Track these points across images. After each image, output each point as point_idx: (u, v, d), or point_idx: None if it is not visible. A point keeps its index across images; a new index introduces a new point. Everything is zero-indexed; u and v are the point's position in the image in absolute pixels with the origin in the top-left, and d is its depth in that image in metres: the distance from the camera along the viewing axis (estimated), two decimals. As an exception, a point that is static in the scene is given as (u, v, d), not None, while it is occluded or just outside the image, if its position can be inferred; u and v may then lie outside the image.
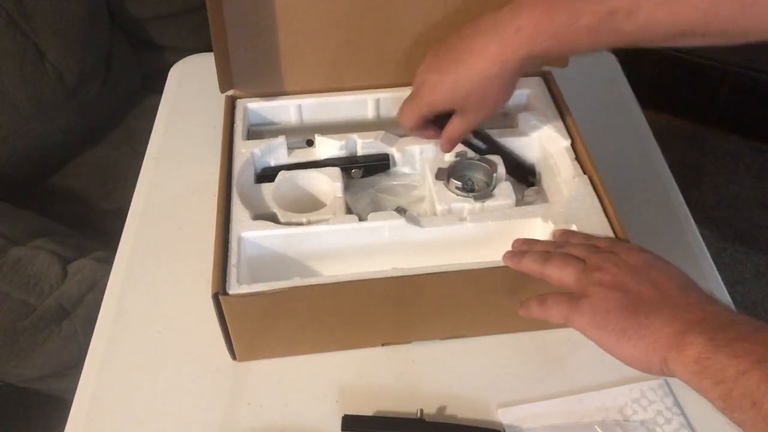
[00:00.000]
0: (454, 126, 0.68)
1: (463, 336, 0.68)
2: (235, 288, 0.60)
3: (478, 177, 0.72)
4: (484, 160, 0.72)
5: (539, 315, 0.56)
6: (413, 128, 0.70)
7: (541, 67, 0.82)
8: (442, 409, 0.63)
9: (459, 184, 0.70)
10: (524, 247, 0.62)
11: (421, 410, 0.62)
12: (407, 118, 0.69)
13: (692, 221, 0.80)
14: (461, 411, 0.63)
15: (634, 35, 0.55)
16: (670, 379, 0.64)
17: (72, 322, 1.00)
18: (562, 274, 0.56)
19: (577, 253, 0.57)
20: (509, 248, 0.66)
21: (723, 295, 0.72)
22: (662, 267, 0.54)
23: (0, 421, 1.11)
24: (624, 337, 0.50)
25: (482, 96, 0.64)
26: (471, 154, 0.73)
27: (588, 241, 0.61)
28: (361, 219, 0.67)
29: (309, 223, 0.67)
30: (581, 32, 0.56)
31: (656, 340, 0.48)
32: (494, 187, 0.70)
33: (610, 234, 0.64)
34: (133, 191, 0.85)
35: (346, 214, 0.69)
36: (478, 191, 0.70)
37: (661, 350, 0.48)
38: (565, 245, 0.60)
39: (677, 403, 0.63)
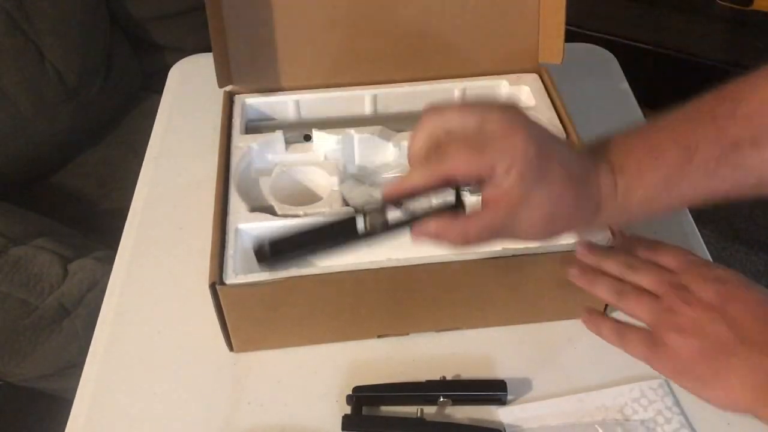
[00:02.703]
0: (484, 224, 0.49)
1: (459, 328, 0.69)
2: (231, 278, 0.61)
3: None
4: None
5: (613, 343, 0.55)
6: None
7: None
8: (442, 405, 0.63)
9: None
10: (593, 259, 0.57)
11: (421, 410, 0.62)
12: (417, 148, 0.50)
13: (692, 221, 0.80)
14: (461, 408, 0.63)
15: (759, 170, 0.47)
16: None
17: (72, 321, 1.00)
18: (637, 312, 0.54)
19: (649, 284, 0.54)
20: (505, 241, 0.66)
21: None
22: (741, 298, 0.50)
23: (0, 420, 1.11)
24: (705, 385, 0.49)
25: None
26: None
27: (655, 255, 0.56)
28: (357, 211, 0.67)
29: (305, 215, 0.68)
30: (696, 174, 0.47)
31: (739, 392, 0.47)
32: None
33: (609, 236, 0.64)
34: (133, 191, 0.85)
35: (342, 206, 0.69)
36: (474, 185, 0.70)
37: (745, 402, 0.47)
38: (633, 266, 0.55)
39: (677, 403, 0.63)
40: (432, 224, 0.50)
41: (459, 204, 0.52)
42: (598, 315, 0.57)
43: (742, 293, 0.50)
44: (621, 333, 0.54)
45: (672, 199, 0.50)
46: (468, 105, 0.49)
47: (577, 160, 0.50)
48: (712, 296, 0.50)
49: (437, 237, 0.50)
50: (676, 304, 0.51)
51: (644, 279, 0.55)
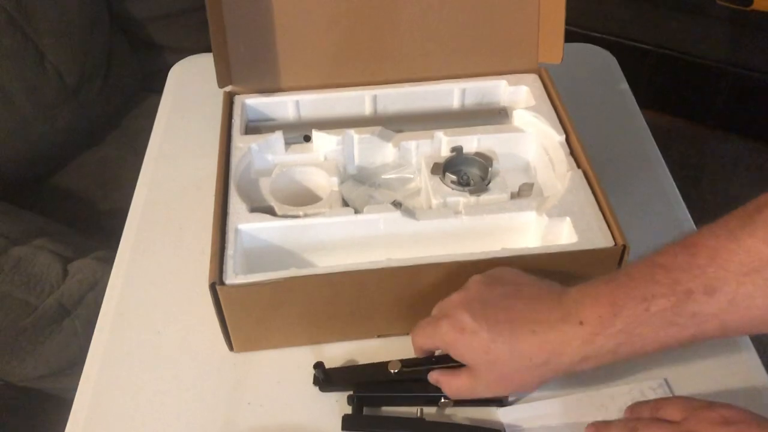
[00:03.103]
0: (462, 385, 0.58)
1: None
2: (231, 278, 0.61)
3: (474, 171, 0.72)
4: (480, 155, 0.72)
5: None
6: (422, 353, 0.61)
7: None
8: (442, 406, 0.63)
9: (454, 178, 0.70)
10: (600, 429, 0.57)
11: (421, 410, 0.62)
12: (425, 347, 0.60)
13: (692, 221, 0.80)
14: (461, 409, 0.63)
15: (719, 318, 0.48)
16: (670, 379, 0.64)
17: (72, 321, 1.00)
18: None
19: None
20: (504, 241, 0.67)
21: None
22: None
23: (0, 420, 1.11)
24: None
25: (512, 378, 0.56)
26: (466, 149, 0.74)
27: (657, 411, 0.55)
28: (356, 212, 0.67)
29: (305, 215, 0.68)
30: (654, 322, 0.49)
31: None
32: (489, 182, 0.71)
33: (608, 235, 0.64)
34: (133, 191, 0.85)
35: (342, 207, 0.69)
36: (474, 185, 0.70)
37: None
38: (636, 428, 0.54)
39: (677, 403, 0.63)
40: (433, 374, 0.60)
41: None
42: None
43: None
44: None
45: (635, 346, 0.51)
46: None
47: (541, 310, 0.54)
48: None
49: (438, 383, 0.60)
50: None
51: None
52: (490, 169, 0.71)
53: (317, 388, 0.64)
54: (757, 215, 0.48)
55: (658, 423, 0.53)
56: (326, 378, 0.63)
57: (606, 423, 0.57)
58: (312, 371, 0.64)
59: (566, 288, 0.55)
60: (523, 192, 0.72)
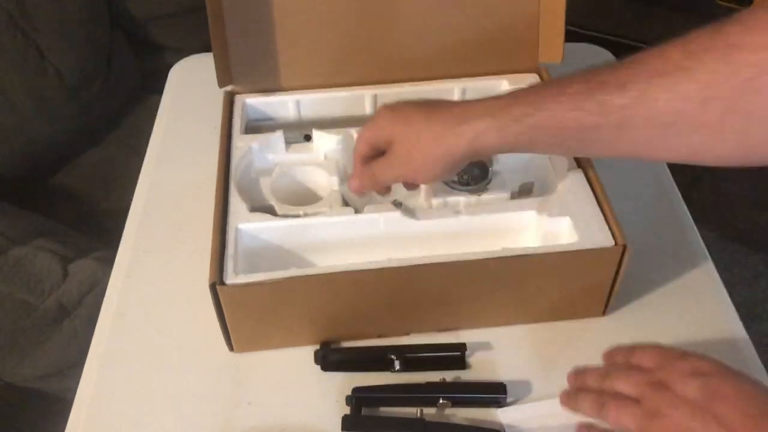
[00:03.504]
0: (378, 167, 0.64)
1: (459, 328, 0.69)
2: (232, 278, 0.61)
3: (474, 171, 0.72)
4: None
5: None
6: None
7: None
8: (441, 407, 0.63)
9: (455, 177, 0.70)
10: (577, 381, 0.58)
11: (421, 410, 0.62)
12: (363, 139, 0.65)
13: (692, 221, 0.80)
14: (460, 410, 0.63)
15: (623, 111, 0.52)
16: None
17: (72, 321, 1.00)
18: (621, 420, 0.52)
19: (630, 389, 0.53)
20: (504, 241, 0.67)
21: (723, 295, 0.72)
22: (726, 393, 0.48)
23: (0, 420, 1.11)
24: None
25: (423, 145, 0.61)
26: None
27: (633, 358, 0.56)
28: (357, 211, 0.67)
29: (306, 215, 0.68)
30: (564, 101, 0.54)
31: None
32: (489, 181, 0.70)
33: (608, 235, 0.64)
34: (133, 191, 0.85)
35: (343, 206, 0.69)
36: (474, 185, 0.70)
37: None
38: (609, 374, 0.55)
39: (677, 403, 0.63)
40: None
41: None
42: (586, 425, 0.56)
43: (728, 387, 0.48)
44: None
45: (540, 119, 0.55)
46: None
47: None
48: (695, 393, 0.49)
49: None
50: (660, 406, 0.50)
51: (621, 384, 0.54)
52: (490, 168, 0.71)
53: (319, 367, 0.65)
54: (691, 34, 0.50)
55: (629, 371, 0.54)
56: (327, 357, 0.64)
57: (582, 371, 0.58)
58: (312, 370, 0.64)
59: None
60: (523, 191, 0.72)
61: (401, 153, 0.61)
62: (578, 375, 0.59)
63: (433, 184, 0.70)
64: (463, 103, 0.61)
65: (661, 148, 0.53)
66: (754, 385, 0.48)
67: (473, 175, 0.71)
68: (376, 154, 0.64)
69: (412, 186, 0.68)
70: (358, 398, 0.62)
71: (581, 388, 0.57)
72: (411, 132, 0.61)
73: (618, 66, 0.53)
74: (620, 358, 0.57)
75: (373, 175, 0.64)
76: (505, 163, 0.73)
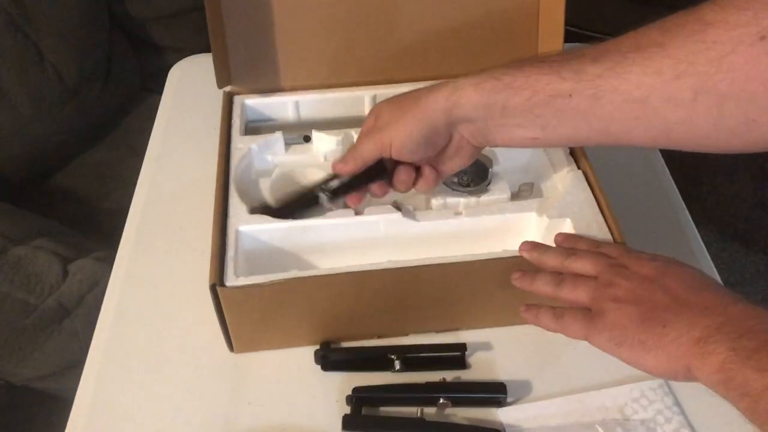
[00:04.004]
0: (361, 139, 0.64)
1: (459, 328, 0.69)
2: (232, 280, 0.61)
3: (474, 172, 0.72)
4: (479, 155, 0.72)
5: (553, 329, 0.56)
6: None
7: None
8: (441, 407, 0.63)
9: (455, 179, 0.70)
10: (534, 255, 0.60)
11: (422, 410, 0.62)
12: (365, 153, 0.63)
13: (692, 221, 0.80)
14: (460, 410, 0.63)
15: (597, 82, 0.52)
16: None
17: (72, 321, 1.00)
18: (575, 295, 0.55)
19: (588, 268, 0.56)
20: (505, 242, 0.67)
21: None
22: (676, 271, 0.53)
23: (0, 420, 1.11)
24: (644, 349, 0.49)
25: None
26: None
27: (596, 248, 0.59)
28: (357, 213, 0.67)
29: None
30: (544, 71, 0.54)
31: (677, 349, 0.47)
32: (489, 182, 0.71)
33: (608, 236, 0.64)
34: (133, 191, 0.85)
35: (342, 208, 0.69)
36: (474, 186, 0.70)
37: (683, 358, 0.47)
38: (574, 254, 0.58)
39: (677, 403, 0.63)
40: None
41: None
42: (536, 305, 0.58)
43: (676, 268, 0.53)
44: (559, 315, 0.55)
45: (515, 81, 0.55)
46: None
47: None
48: (648, 270, 0.53)
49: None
50: (614, 278, 0.53)
51: (583, 265, 0.56)
52: (490, 169, 0.71)
53: (319, 367, 0.66)
54: (671, 15, 0.51)
55: (592, 254, 0.58)
56: (328, 357, 0.65)
57: (542, 248, 0.60)
58: (312, 370, 0.64)
59: None
60: (523, 192, 0.72)
61: (382, 122, 0.61)
62: (536, 250, 0.60)
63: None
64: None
65: (635, 127, 0.52)
66: (703, 273, 0.53)
67: (473, 176, 0.71)
68: None
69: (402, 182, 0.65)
70: (359, 398, 0.62)
71: (539, 265, 0.59)
72: (394, 103, 0.61)
73: (599, 44, 0.53)
74: (583, 245, 0.60)
75: (354, 149, 0.63)
76: (505, 164, 0.73)
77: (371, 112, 0.64)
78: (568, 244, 0.61)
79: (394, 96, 0.63)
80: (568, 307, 0.55)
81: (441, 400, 0.62)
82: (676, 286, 0.51)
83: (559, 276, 0.57)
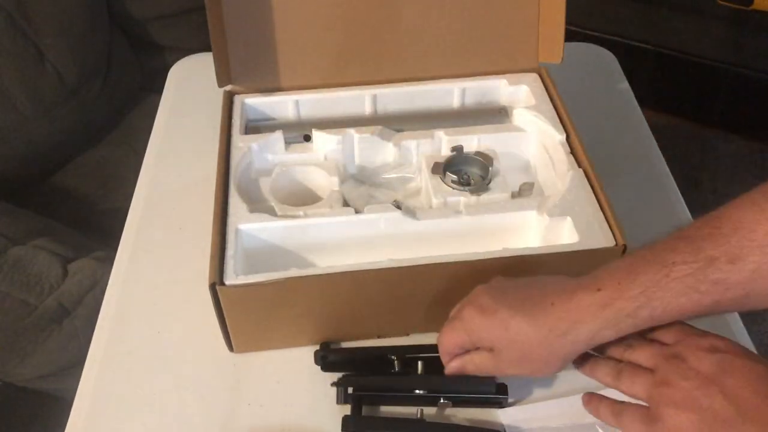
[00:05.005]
0: (483, 362, 0.59)
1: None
2: (232, 279, 0.61)
3: (474, 171, 0.72)
4: (480, 154, 0.72)
5: (611, 423, 0.54)
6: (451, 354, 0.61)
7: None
8: (441, 407, 0.63)
9: (455, 177, 0.70)
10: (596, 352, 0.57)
11: (422, 410, 0.62)
12: (450, 343, 0.60)
13: (692, 221, 0.79)
14: (461, 410, 0.63)
15: (743, 287, 0.48)
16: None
17: (72, 321, 1.00)
18: (633, 389, 0.53)
19: (645, 359, 0.53)
20: (505, 241, 0.67)
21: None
22: (740, 369, 0.48)
23: (0, 420, 1.11)
24: None
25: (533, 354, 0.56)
26: (466, 149, 0.74)
27: (653, 333, 0.55)
28: (357, 212, 0.67)
29: (306, 215, 0.68)
30: (674, 287, 0.49)
31: None
32: (490, 181, 0.70)
33: (608, 234, 0.64)
34: (133, 191, 0.85)
35: (343, 206, 0.69)
36: (474, 185, 0.70)
37: None
38: (631, 345, 0.55)
39: (677, 403, 0.63)
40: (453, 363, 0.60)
41: None
42: (597, 396, 0.56)
43: (741, 364, 0.48)
44: (618, 412, 0.53)
45: (655, 311, 0.50)
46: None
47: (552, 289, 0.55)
48: (708, 367, 0.49)
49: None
50: (671, 376, 0.50)
51: (640, 355, 0.54)
52: (490, 168, 0.71)
53: (319, 368, 0.65)
54: None
55: (649, 343, 0.54)
56: (327, 357, 0.64)
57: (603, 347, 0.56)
58: (312, 370, 0.64)
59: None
60: (524, 191, 0.72)
61: (512, 358, 0.56)
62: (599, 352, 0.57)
63: (435, 185, 0.70)
64: (559, 300, 0.54)
65: None
66: (766, 365, 0.48)
67: (473, 175, 0.71)
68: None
69: None
70: (358, 397, 0.62)
71: (601, 357, 0.57)
72: (515, 341, 0.55)
73: (718, 230, 0.49)
74: (643, 333, 0.56)
75: (479, 370, 0.59)
76: (505, 163, 0.73)
77: (471, 334, 0.58)
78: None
79: (500, 318, 0.55)
80: (628, 404, 0.53)
81: (442, 400, 0.62)
82: (740, 391, 0.47)
83: (619, 366, 0.55)
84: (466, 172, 0.72)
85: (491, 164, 0.72)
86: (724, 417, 0.46)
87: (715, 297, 0.49)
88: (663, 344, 0.53)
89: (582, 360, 0.57)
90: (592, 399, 0.56)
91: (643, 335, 0.54)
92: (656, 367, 0.51)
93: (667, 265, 0.49)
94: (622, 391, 0.54)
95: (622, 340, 0.54)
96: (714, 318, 0.52)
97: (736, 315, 0.70)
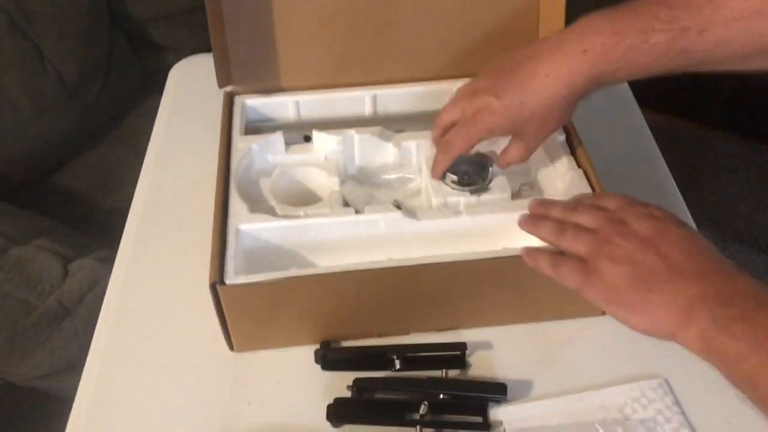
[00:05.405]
0: (514, 152, 0.68)
1: (459, 328, 0.69)
2: (232, 278, 0.61)
3: (474, 171, 0.72)
4: (480, 154, 0.72)
5: (549, 274, 0.58)
6: (462, 152, 0.68)
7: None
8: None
9: (455, 178, 0.70)
10: (540, 210, 0.62)
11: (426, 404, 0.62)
12: (461, 145, 0.67)
13: (692, 221, 0.80)
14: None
15: (701, 55, 0.55)
16: (669, 379, 0.64)
17: (73, 321, 1.00)
18: (575, 246, 0.57)
19: (589, 221, 0.58)
20: (505, 241, 0.66)
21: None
22: (673, 234, 0.54)
23: (0, 420, 1.11)
24: (632, 311, 0.51)
25: (546, 119, 0.64)
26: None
27: (599, 200, 0.61)
28: (357, 212, 0.67)
29: (306, 216, 0.68)
30: (651, 53, 0.56)
31: (663, 316, 0.50)
32: (490, 181, 0.71)
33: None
34: (133, 191, 0.85)
35: (343, 207, 0.69)
36: (474, 185, 0.70)
37: (668, 325, 0.49)
38: (575, 208, 0.60)
39: (677, 402, 0.63)
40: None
41: None
42: (537, 249, 0.60)
43: (674, 231, 0.54)
44: (556, 263, 0.57)
45: (630, 71, 0.59)
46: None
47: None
48: (646, 231, 0.54)
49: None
50: (612, 236, 0.55)
51: (584, 218, 0.58)
52: (490, 168, 0.71)
53: (319, 366, 0.66)
54: None
55: (593, 208, 0.59)
56: (328, 356, 0.65)
57: (549, 202, 0.63)
58: (312, 370, 0.64)
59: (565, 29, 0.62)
60: (524, 191, 0.72)
61: (512, 81, 0.63)
62: (543, 204, 0.63)
63: (435, 186, 0.70)
64: (552, 72, 0.61)
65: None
66: (698, 235, 0.54)
67: (473, 175, 0.71)
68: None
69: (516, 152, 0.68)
70: (359, 389, 0.62)
71: (544, 216, 0.61)
72: (516, 69, 0.63)
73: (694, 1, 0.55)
74: (586, 201, 0.62)
75: (472, 124, 0.65)
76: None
77: (479, 83, 0.66)
78: (573, 199, 0.64)
79: (499, 65, 0.65)
80: (566, 257, 0.57)
81: (441, 396, 0.62)
82: (670, 249, 0.52)
83: (562, 225, 0.59)
84: (466, 172, 0.72)
85: (491, 164, 0.72)
86: (654, 270, 0.51)
87: (678, 62, 0.56)
88: (606, 210, 0.58)
89: (527, 219, 0.62)
90: (531, 251, 0.60)
91: (588, 203, 0.61)
92: (599, 228, 0.56)
93: (647, 32, 0.56)
94: (563, 248, 0.58)
95: (567, 204, 0.61)
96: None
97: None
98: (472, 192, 0.70)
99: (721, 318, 0.46)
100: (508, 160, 0.69)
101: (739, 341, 0.45)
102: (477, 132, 0.65)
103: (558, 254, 0.57)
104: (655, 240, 0.53)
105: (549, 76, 0.60)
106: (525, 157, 0.68)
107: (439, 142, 0.68)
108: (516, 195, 0.71)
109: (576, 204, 0.61)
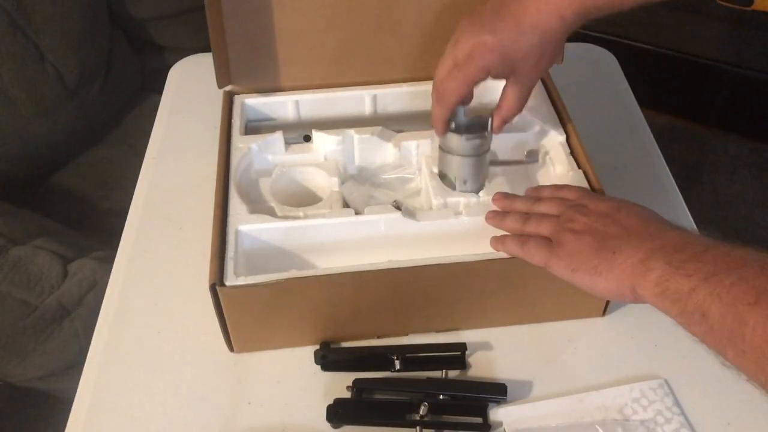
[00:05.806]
0: (510, 98, 0.66)
1: (459, 328, 0.69)
2: (232, 279, 0.61)
3: (474, 121, 0.70)
4: (477, 115, 0.70)
5: (517, 254, 0.61)
6: (459, 101, 0.65)
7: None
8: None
9: (452, 126, 0.68)
10: (505, 203, 0.66)
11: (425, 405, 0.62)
12: (457, 90, 0.64)
13: (692, 221, 0.80)
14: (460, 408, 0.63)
15: None
16: (669, 379, 0.64)
17: (72, 321, 1.00)
18: (539, 229, 0.61)
19: (552, 209, 0.62)
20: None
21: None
22: (629, 208, 0.58)
23: (0, 420, 1.11)
24: (596, 273, 0.54)
25: (542, 54, 0.63)
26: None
27: (558, 193, 0.65)
28: (357, 213, 0.67)
29: (306, 216, 0.68)
30: None
31: (624, 271, 0.53)
32: (490, 135, 0.69)
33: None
34: (133, 191, 0.85)
35: (343, 207, 0.69)
36: (476, 134, 0.68)
37: (629, 279, 0.52)
38: (539, 199, 0.64)
39: (677, 403, 0.63)
40: None
41: None
42: (504, 235, 0.63)
43: (630, 206, 0.59)
44: (523, 242, 0.61)
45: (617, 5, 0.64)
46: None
47: None
48: (605, 208, 0.59)
49: None
50: (574, 215, 0.59)
51: (548, 207, 0.63)
52: (489, 119, 0.68)
53: (319, 367, 0.66)
54: None
55: (553, 199, 0.64)
56: (327, 357, 0.65)
57: (511, 196, 0.67)
58: (312, 370, 0.64)
59: None
60: (531, 157, 0.74)
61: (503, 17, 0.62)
62: (507, 199, 0.67)
63: (435, 186, 0.70)
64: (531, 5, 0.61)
65: None
66: (653, 212, 0.58)
67: (473, 126, 0.68)
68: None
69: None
70: (359, 390, 0.62)
71: (509, 210, 0.65)
72: (504, 8, 0.62)
73: None
74: (547, 193, 0.66)
75: (467, 65, 0.63)
76: (504, 141, 0.73)
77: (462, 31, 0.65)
78: (534, 193, 0.67)
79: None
80: (533, 237, 0.61)
81: (441, 397, 0.62)
82: (628, 219, 0.57)
83: (526, 215, 0.63)
84: (467, 125, 0.70)
85: (490, 117, 0.70)
86: (614, 234, 0.56)
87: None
88: (567, 200, 0.63)
89: (494, 215, 0.65)
90: (498, 237, 0.64)
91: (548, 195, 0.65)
92: (561, 213, 0.61)
93: None
94: (528, 232, 0.62)
95: (530, 197, 0.66)
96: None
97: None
98: (468, 139, 0.67)
99: (675, 261, 0.49)
100: (505, 113, 0.67)
101: (691, 278, 0.47)
102: (473, 72, 0.63)
103: (524, 236, 0.61)
104: (612, 214, 0.58)
105: (541, 11, 0.61)
106: (522, 104, 0.67)
107: (434, 90, 0.66)
108: (525, 160, 0.74)
109: (537, 194, 0.66)
